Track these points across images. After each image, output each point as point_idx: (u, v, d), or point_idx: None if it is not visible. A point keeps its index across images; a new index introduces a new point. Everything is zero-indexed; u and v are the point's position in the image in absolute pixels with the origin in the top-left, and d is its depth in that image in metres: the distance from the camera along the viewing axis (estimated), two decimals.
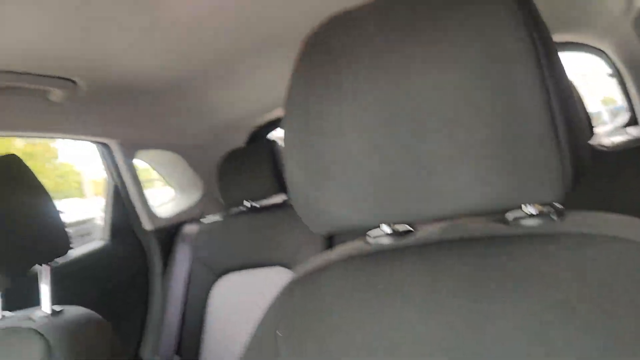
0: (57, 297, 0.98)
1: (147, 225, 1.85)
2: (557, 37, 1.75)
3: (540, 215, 0.50)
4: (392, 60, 0.47)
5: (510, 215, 0.52)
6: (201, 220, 2.02)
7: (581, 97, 1.50)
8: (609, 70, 1.98)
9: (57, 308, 0.97)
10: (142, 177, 1.87)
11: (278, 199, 1.84)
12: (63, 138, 1.53)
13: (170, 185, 2.25)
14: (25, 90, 1.19)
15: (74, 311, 0.97)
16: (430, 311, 0.48)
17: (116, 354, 0.95)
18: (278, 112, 2.22)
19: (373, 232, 0.58)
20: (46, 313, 0.94)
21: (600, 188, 1.41)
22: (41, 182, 0.98)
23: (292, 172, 0.54)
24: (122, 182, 1.79)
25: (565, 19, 1.65)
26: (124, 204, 1.82)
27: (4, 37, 0.96)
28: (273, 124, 2.35)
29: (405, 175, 0.47)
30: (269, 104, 2.07)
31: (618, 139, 1.77)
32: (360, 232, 0.58)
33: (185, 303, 1.78)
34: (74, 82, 1.26)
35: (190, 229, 1.93)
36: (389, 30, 0.49)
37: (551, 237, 0.48)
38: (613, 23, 1.63)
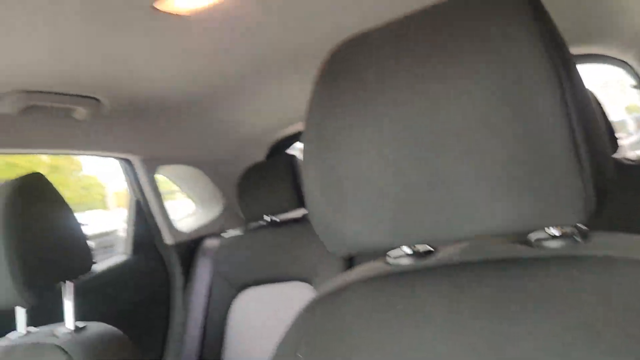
0: (80, 312, 1.00)
1: (169, 239, 1.87)
2: (579, 49, 1.73)
3: (563, 236, 0.49)
4: (410, 82, 0.47)
5: (532, 236, 0.51)
6: (222, 234, 2.03)
7: (603, 108, 1.48)
8: (633, 82, 1.94)
9: (80, 324, 0.98)
10: (162, 188, 1.90)
11: (298, 213, 1.84)
12: (87, 155, 1.56)
13: (191, 198, 2.27)
14: (51, 109, 1.22)
15: (96, 328, 0.98)
16: (451, 332, 0.47)
17: None
18: (297, 126, 2.23)
19: (393, 253, 0.57)
20: (69, 329, 0.95)
21: (625, 202, 1.38)
22: (65, 194, 1.00)
23: (311, 192, 0.54)
24: (144, 197, 1.81)
25: (589, 31, 1.64)
26: (145, 219, 1.84)
27: (31, 58, 0.99)
28: (292, 138, 2.37)
29: (425, 197, 0.47)
30: (289, 118, 2.09)
31: None
32: (380, 252, 0.58)
33: (206, 317, 1.78)
34: (97, 100, 1.29)
35: (210, 243, 1.94)
36: (406, 51, 0.49)
37: (575, 259, 0.47)
38: (637, 35, 1.61)
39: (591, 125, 0.44)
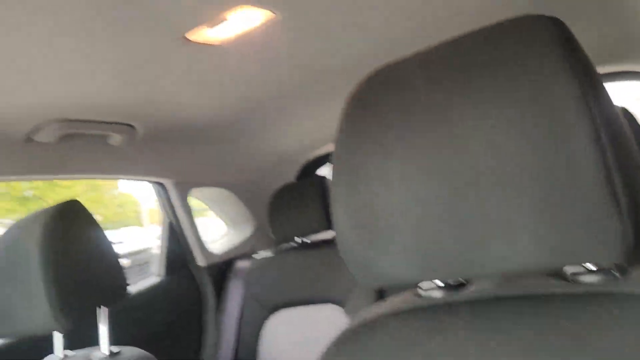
0: (114, 334, 1.01)
1: (201, 261, 1.89)
2: (614, 67, 1.69)
3: (600, 271, 0.47)
4: (438, 116, 0.47)
5: (568, 270, 0.49)
6: (253, 255, 2.04)
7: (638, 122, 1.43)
8: None
9: (115, 349, 0.99)
10: (193, 204, 1.93)
11: (328, 234, 1.84)
12: (121, 179, 1.60)
13: (222, 219, 2.30)
14: (88, 136, 1.26)
15: (130, 352, 0.99)
16: None
17: None
18: (327, 147, 2.24)
19: (425, 284, 0.57)
20: (105, 354, 0.97)
21: None
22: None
23: (340, 224, 0.54)
24: (177, 219, 1.84)
25: (624, 48, 1.60)
26: (178, 240, 1.87)
27: (68, 89, 1.02)
28: (322, 159, 2.37)
29: (455, 231, 0.46)
30: (319, 139, 2.10)
31: None
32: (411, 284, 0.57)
33: (238, 339, 1.79)
34: (132, 126, 1.33)
35: (242, 264, 1.95)
36: (435, 84, 0.48)
37: (614, 297, 0.45)
38: None
39: (628, 162, 0.42)
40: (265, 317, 1.76)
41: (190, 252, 1.88)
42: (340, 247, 0.55)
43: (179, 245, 1.87)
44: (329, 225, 1.75)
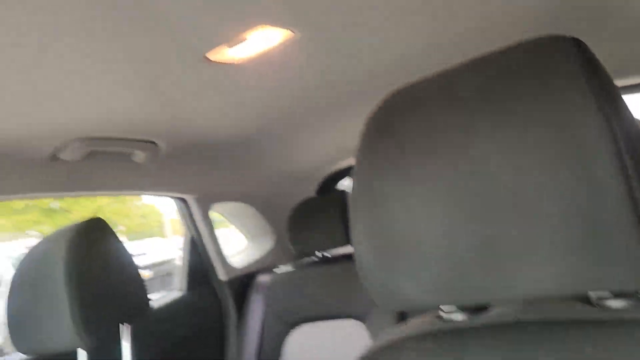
0: (136, 349, 1.02)
1: (222, 275, 1.90)
2: (636, 79, 1.65)
3: (626, 295, 0.46)
4: (459, 139, 0.46)
5: (593, 295, 0.48)
6: (274, 270, 2.04)
7: None
8: None
9: None
10: (214, 216, 1.94)
11: (349, 249, 1.83)
12: (144, 194, 1.63)
13: (242, 233, 2.30)
14: (112, 153, 1.29)
15: None
16: None
17: None
18: (347, 162, 2.24)
19: (446, 307, 0.56)
20: None
21: None
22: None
23: (360, 247, 0.54)
24: (199, 234, 1.85)
25: None
26: (200, 255, 1.88)
27: (92, 108, 1.04)
28: (343, 173, 2.37)
29: (477, 256, 0.46)
30: (339, 154, 2.10)
31: None
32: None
33: (260, 354, 1.78)
34: (155, 144, 1.35)
35: (263, 279, 1.95)
36: (455, 107, 0.48)
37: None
38: None
39: None
40: (286, 332, 1.75)
41: (212, 267, 1.89)
42: (360, 271, 0.54)
43: (200, 259, 1.88)
44: (349, 240, 1.74)
